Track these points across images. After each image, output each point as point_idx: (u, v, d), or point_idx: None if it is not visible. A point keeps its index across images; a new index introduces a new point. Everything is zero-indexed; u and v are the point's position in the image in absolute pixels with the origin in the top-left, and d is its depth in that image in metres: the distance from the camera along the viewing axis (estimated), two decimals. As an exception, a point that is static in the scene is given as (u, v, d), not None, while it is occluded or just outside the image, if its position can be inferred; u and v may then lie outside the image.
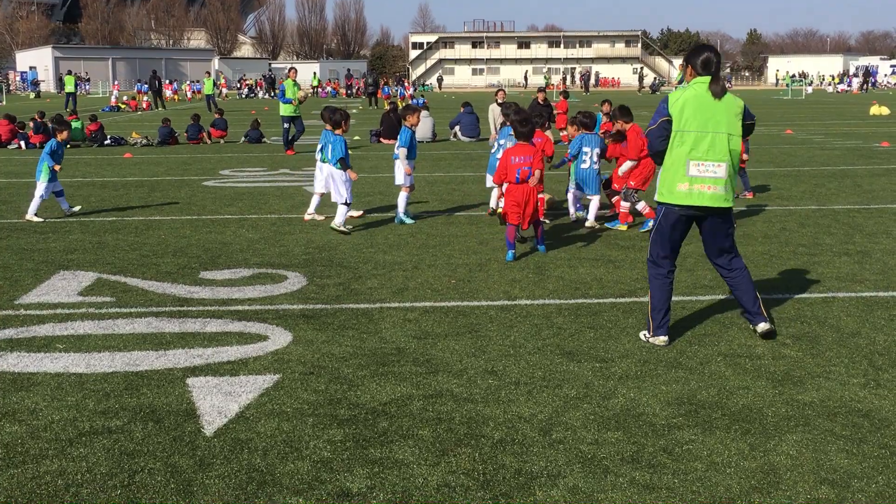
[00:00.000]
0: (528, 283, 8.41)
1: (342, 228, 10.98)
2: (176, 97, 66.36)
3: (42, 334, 6.87)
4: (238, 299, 7.90)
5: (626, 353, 6.36)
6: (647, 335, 6.62)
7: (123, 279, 8.67)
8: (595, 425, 5.06)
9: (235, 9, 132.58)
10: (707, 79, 6.39)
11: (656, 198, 6.57)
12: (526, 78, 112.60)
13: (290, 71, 23.57)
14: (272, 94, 70.88)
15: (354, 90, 76.29)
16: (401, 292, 8.12)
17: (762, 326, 6.59)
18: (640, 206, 11.26)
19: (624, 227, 11.34)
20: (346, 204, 11.11)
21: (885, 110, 39.13)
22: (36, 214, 12.18)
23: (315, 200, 12.14)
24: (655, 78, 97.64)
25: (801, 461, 4.57)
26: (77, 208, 12.79)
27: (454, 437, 4.91)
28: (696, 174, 6.32)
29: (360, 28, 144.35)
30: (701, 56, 6.46)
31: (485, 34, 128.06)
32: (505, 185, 9.77)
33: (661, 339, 6.53)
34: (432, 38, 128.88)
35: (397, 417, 5.19)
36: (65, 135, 12.92)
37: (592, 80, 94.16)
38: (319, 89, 76.68)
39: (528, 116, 10.21)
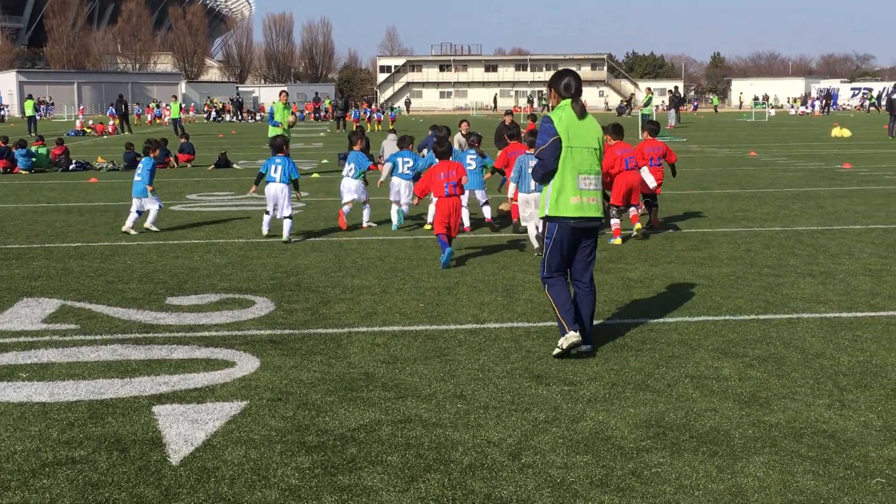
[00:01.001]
0: (496, 307, 8.42)
1: (290, 239, 12.32)
2: (138, 120, 65.95)
3: (4, 363, 6.78)
4: (205, 325, 7.84)
5: (594, 375, 6.38)
6: (562, 342, 6.71)
7: (88, 306, 8.58)
8: (564, 449, 5.06)
9: (202, 32, 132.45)
10: (569, 101, 6.90)
11: (547, 213, 6.78)
12: (495, 101, 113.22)
13: (280, 94, 23.51)
14: (239, 117, 70.68)
15: (321, 113, 76.29)
16: (369, 316, 8.10)
17: (586, 347, 6.86)
18: (614, 222, 11.89)
19: (619, 241, 11.80)
20: (289, 217, 12.38)
21: (846, 132, 39.73)
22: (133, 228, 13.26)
23: (364, 213, 13.63)
24: (622, 100, 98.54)
25: (768, 483, 4.60)
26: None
27: (423, 462, 4.89)
28: (584, 187, 6.76)
29: (327, 51, 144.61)
30: (562, 81, 6.97)
31: (452, 57, 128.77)
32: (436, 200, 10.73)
33: (573, 336, 6.66)
34: (400, 61, 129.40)
35: (366, 443, 5.16)
36: (157, 153, 14.19)
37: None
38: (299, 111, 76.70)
39: (444, 137, 12.83)
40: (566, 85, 6.92)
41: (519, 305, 8.47)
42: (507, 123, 23.18)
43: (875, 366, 6.52)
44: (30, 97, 51.25)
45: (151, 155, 13.92)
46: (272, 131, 22.47)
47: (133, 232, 13.12)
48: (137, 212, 13.33)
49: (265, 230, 12.73)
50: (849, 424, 5.39)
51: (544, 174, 6.82)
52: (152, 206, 13.46)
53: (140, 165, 13.60)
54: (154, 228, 13.38)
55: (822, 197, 16.84)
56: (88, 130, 48.25)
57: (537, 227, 10.76)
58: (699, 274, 9.82)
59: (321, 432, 5.34)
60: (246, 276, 9.97)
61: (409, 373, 6.47)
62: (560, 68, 8.42)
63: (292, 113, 22.88)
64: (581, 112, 6.85)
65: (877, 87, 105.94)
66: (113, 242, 12.37)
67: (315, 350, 7.06)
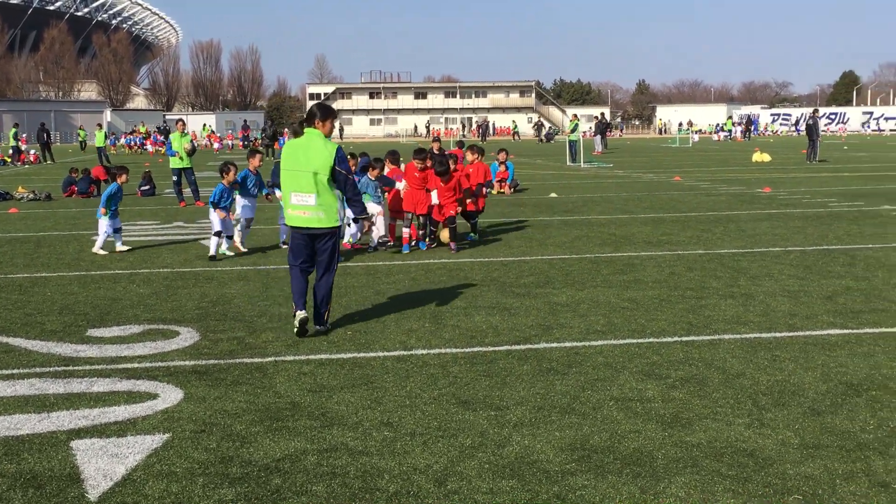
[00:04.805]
0: (424, 333, 8.43)
1: (229, 252, 13.48)
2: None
3: (-84, 400, 6.55)
4: (127, 357, 7.69)
5: (520, 400, 6.41)
6: (294, 314, 8.27)
7: (5, 339, 8.35)
8: (490, 474, 5.07)
9: (128, 60, 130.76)
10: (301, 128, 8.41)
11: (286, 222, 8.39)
12: (427, 127, 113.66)
13: (177, 123, 23.58)
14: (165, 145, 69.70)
15: (251, 141, 75.65)
16: (296, 345, 8.03)
17: (318, 329, 8.43)
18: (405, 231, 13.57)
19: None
20: (217, 234, 13.31)
21: (766, 157, 40.79)
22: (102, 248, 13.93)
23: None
24: (550, 126, 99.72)
25: (689, 503, 4.66)
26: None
27: (349, 491, 4.85)
28: (297, 202, 8.22)
29: (256, 79, 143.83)
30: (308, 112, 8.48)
31: (382, 85, 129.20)
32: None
33: (301, 314, 8.18)
34: (329, 88, 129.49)
35: (291, 474, 5.10)
36: (123, 178, 14.73)
37: (490, 130, 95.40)
38: (214, 141, 75.88)
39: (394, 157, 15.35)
40: (308, 115, 8.45)
41: (446, 331, 8.48)
42: (435, 151, 23.33)
43: (793, 385, 6.68)
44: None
45: (118, 181, 14.49)
46: (172, 161, 22.37)
47: (125, 248, 14.13)
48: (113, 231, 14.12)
49: (220, 250, 13.54)
50: (767, 443, 5.50)
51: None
52: (101, 230, 14.02)
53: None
54: (101, 252, 13.78)
55: (743, 220, 17.24)
56: (8, 160, 47.11)
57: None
58: (624, 297, 9.96)
59: (245, 464, 5.27)
60: (171, 306, 9.81)
61: (336, 401, 6.43)
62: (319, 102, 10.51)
63: (190, 141, 22.82)
64: (296, 136, 8.36)
65: (795, 112, 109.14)
66: (32, 274, 12.08)
67: (240, 380, 6.98)
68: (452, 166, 14.22)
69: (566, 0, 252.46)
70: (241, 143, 76.76)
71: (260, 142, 65.52)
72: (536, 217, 18.48)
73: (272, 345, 8.06)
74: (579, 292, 10.30)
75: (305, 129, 8.37)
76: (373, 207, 13.42)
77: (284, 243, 14.17)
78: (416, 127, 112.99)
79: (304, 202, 8.21)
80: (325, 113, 8.44)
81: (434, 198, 13.73)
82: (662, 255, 13.00)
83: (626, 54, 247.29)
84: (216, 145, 75.71)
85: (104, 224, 14.01)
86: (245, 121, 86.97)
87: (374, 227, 13.45)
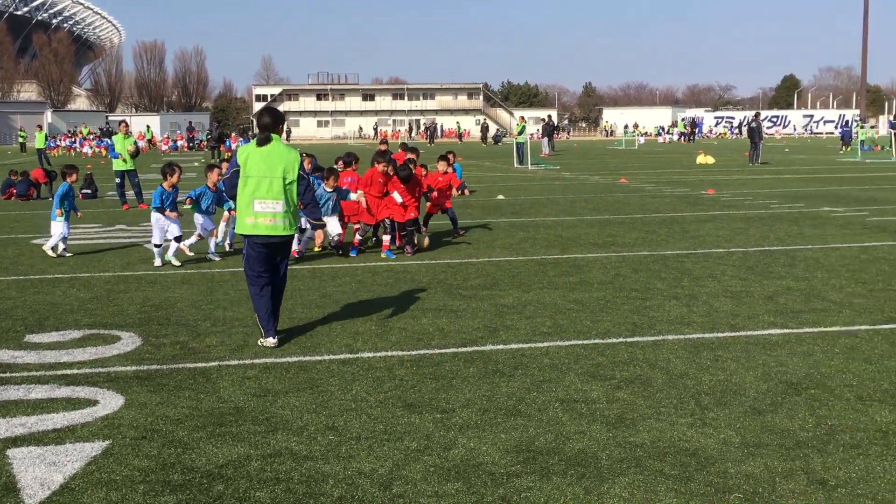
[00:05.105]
0: (370, 336, 8.39)
1: (175, 262, 12.74)
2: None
3: None
4: (66, 363, 7.53)
5: (466, 402, 6.41)
6: (262, 340, 8.02)
7: (-60, 346, 8.13)
8: (435, 477, 5.06)
9: (69, 60, 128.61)
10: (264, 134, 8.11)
11: (237, 230, 8.18)
12: (375, 129, 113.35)
13: (120, 124, 23.36)
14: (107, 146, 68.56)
15: (196, 143, 74.87)
16: (240, 349, 7.95)
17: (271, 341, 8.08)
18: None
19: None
20: (176, 239, 12.80)
21: (710, 159, 41.39)
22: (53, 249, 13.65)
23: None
24: (498, 129, 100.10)
25: (632, 503, 4.70)
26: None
27: (292, 497, 4.80)
28: (260, 210, 7.94)
29: (201, 80, 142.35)
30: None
31: (329, 86, 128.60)
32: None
33: (271, 341, 7.96)
34: (276, 90, 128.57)
35: (234, 480, 5.04)
36: (74, 178, 14.38)
37: (438, 132, 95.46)
38: (164, 143, 74.95)
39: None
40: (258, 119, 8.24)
41: (393, 334, 8.45)
42: (381, 151, 23.33)
43: (734, 384, 6.76)
44: None
45: (68, 180, 14.06)
46: (115, 163, 22.09)
47: (67, 254, 13.64)
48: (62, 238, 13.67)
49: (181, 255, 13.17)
50: (709, 442, 5.56)
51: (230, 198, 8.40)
52: (55, 232, 13.64)
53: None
54: (50, 253, 13.62)
55: (687, 222, 17.46)
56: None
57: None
58: (570, 298, 10.02)
59: (187, 470, 5.19)
60: (112, 310, 9.65)
61: (281, 405, 6.37)
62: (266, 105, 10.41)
63: (134, 143, 22.58)
64: (262, 143, 8.01)
65: (738, 115, 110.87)
66: (-31, 278, 11.79)
67: (183, 385, 6.88)
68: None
69: (514, 2, 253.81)
70: (185, 145, 75.86)
71: (206, 143, 64.85)
72: (484, 219, 18.52)
73: (216, 349, 7.96)
74: (526, 294, 10.33)
75: (272, 135, 8.09)
76: (326, 218, 13.27)
77: (232, 245, 14.07)
78: (360, 129, 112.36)
79: (272, 209, 7.93)
80: (282, 117, 8.32)
81: (398, 197, 13.52)
82: (608, 257, 13.10)
83: (573, 57, 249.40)
84: (164, 147, 74.74)
85: (59, 226, 13.58)
86: (190, 122, 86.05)
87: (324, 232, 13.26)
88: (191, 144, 75.02)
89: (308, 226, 12.68)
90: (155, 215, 12.84)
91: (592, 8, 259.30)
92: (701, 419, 5.99)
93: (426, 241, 14.15)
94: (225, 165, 14.11)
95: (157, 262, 12.68)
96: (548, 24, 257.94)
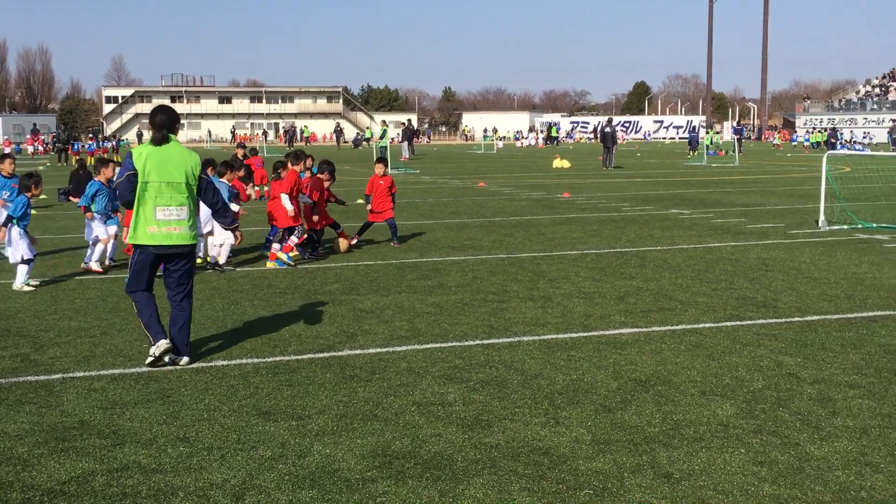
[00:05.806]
0: (224, 343, 8.20)
1: (26, 288, 11.04)
2: None
3: None
4: None
5: (323, 408, 6.34)
6: (153, 349, 7.37)
7: None
8: (290, 485, 4.98)
9: None
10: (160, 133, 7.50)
11: (131, 241, 7.47)
12: (232, 133, 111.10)
13: None
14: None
15: (42, 147, 71.53)
16: (87, 360, 7.63)
17: (184, 360, 7.58)
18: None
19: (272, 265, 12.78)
20: (26, 262, 11.14)
21: (566, 163, 42.43)
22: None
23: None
24: (357, 133, 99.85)
25: (486, 503, 4.75)
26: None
27: (140, 512, 4.64)
28: (163, 218, 7.38)
29: (47, 80, 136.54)
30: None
31: (184, 88, 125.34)
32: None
33: (164, 343, 7.37)
34: (128, 91, 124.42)
35: (77, 496, 4.83)
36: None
37: (298, 136, 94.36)
38: (6, 146, 71.25)
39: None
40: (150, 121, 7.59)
41: (248, 341, 8.29)
42: (239, 157, 22.89)
43: (586, 383, 6.94)
44: None
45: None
46: None
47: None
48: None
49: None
50: (562, 440, 5.68)
51: (124, 204, 7.57)
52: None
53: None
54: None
55: (543, 225, 17.83)
56: None
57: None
58: (429, 302, 10.07)
59: (27, 488, 4.94)
60: (-54, 322, 9.11)
61: (129, 417, 6.15)
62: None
63: None
64: (159, 143, 7.45)
65: (592, 120, 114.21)
66: None
67: (24, 399, 6.55)
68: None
69: (372, 6, 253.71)
70: (48, 148, 71.56)
71: (52, 147, 62.08)
72: (343, 223, 18.39)
73: (60, 361, 7.62)
74: (384, 298, 10.33)
75: (169, 135, 7.51)
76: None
77: (101, 263, 12.45)
78: (210, 132, 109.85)
79: (176, 216, 7.37)
80: (177, 116, 7.74)
81: (287, 203, 12.81)
82: (466, 260, 13.24)
83: (431, 61, 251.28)
84: (6, 149, 71.01)
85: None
86: (35, 125, 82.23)
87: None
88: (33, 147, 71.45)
89: (205, 230, 12.23)
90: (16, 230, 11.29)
91: (451, 13, 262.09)
92: (554, 418, 6.11)
93: (343, 245, 14.07)
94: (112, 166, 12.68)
95: (21, 280, 11.10)
96: (407, 28, 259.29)
